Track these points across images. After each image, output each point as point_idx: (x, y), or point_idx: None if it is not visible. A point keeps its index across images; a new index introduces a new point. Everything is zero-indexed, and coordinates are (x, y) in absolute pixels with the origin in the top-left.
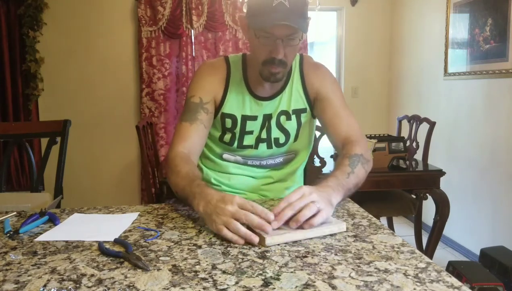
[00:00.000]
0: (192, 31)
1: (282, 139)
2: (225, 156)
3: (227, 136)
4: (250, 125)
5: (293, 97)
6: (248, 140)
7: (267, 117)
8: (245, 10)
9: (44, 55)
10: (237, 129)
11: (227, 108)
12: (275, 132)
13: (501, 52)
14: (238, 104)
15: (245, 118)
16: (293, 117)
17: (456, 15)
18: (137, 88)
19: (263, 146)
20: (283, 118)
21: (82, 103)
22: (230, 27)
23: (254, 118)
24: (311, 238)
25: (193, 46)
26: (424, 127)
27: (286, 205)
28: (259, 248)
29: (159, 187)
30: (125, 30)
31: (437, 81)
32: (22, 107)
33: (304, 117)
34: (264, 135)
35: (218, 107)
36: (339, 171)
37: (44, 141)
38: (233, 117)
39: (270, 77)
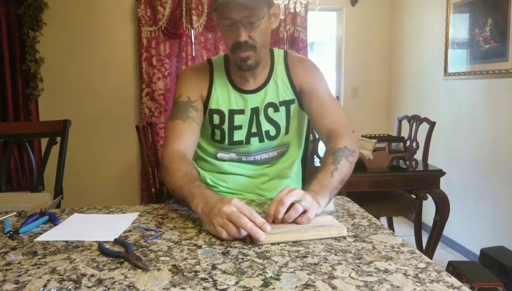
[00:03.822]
0: (192, 31)
1: (272, 131)
2: (219, 155)
3: (217, 134)
4: (238, 120)
5: (279, 88)
6: (238, 135)
7: (255, 111)
8: None
9: (44, 55)
10: (226, 125)
11: (213, 104)
12: (265, 125)
13: (501, 52)
14: (224, 99)
15: (232, 112)
16: (282, 109)
17: (456, 15)
18: (137, 88)
19: (255, 140)
20: (270, 110)
21: (82, 103)
22: None
23: (241, 112)
24: (306, 240)
25: (193, 46)
26: (424, 127)
27: (277, 203)
28: (259, 248)
29: (159, 187)
30: (125, 30)
31: (437, 81)
32: (22, 107)
33: (293, 108)
34: (254, 129)
35: (205, 104)
36: (322, 172)
37: (44, 141)
38: (220, 113)
39: (242, 64)
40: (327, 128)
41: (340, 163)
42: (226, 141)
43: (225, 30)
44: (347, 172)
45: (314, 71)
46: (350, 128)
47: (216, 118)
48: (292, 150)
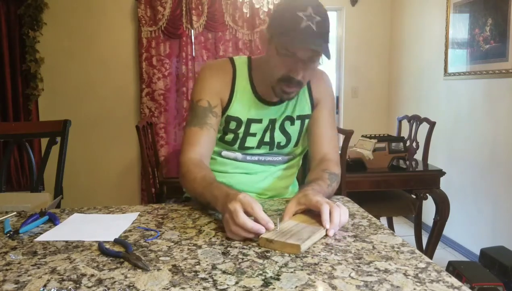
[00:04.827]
0: (192, 31)
1: (283, 142)
2: (224, 153)
3: (229, 137)
4: (254, 128)
5: (299, 103)
6: (251, 142)
7: (272, 122)
8: (264, 20)
9: (44, 55)
10: (241, 131)
11: (232, 111)
12: (278, 137)
13: (501, 52)
14: (243, 107)
15: (250, 121)
16: (297, 122)
17: (456, 15)
18: (137, 88)
19: (265, 148)
20: (287, 123)
21: (82, 103)
22: (230, 27)
23: (259, 121)
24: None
25: (193, 46)
26: (424, 127)
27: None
28: (259, 248)
29: (159, 187)
30: (125, 30)
31: (437, 81)
32: (22, 107)
33: (307, 122)
34: (267, 138)
35: (224, 109)
36: (321, 180)
37: (44, 141)
38: (238, 120)
39: (283, 95)
40: (324, 151)
41: (333, 183)
42: (237, 145)
43: (281, 61)
44: (332, 193)
45: (330, 90)
46: (338, 155)
47: (233, 124)
48: (298, 157)
